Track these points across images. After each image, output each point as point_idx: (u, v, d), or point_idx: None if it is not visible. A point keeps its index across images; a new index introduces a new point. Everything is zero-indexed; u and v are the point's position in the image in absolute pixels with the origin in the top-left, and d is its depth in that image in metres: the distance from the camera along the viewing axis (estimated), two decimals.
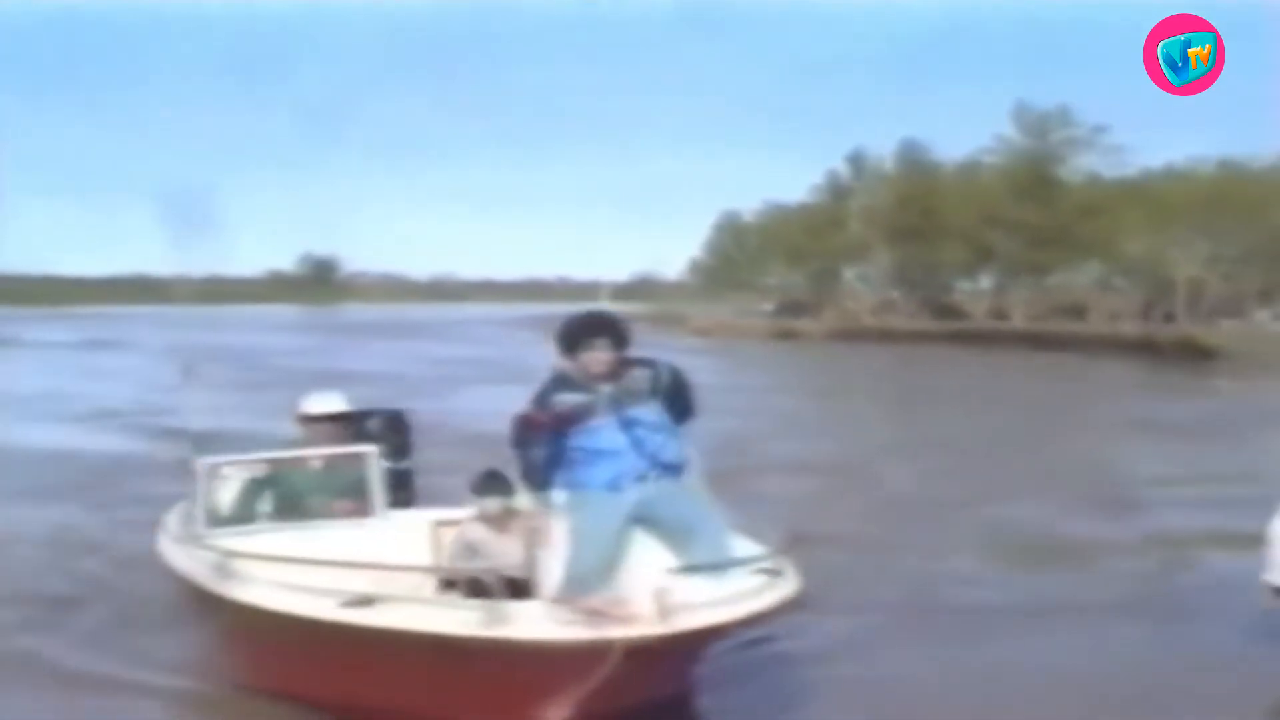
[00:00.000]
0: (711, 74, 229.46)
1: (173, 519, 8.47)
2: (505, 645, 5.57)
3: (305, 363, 42.83)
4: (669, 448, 6.92)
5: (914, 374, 45.87)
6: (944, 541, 12.19)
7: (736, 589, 6.00)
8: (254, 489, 8.06)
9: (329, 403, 8.54)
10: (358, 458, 8.00)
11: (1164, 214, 71.17)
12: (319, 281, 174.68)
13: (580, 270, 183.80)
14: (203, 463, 7.80)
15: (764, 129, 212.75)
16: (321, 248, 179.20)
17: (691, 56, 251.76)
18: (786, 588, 6.19)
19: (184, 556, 7.44)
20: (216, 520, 7.66)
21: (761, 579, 6.18)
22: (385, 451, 8.31)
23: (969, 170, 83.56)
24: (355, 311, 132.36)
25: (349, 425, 8.48)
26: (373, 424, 8.70)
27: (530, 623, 5.62)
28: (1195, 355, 51.81)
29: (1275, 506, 8.06)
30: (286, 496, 8.01)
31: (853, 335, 71.41)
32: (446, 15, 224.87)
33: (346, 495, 7.99)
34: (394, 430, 8.69)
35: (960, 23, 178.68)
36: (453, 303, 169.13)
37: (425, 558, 7.62)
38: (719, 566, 6.31)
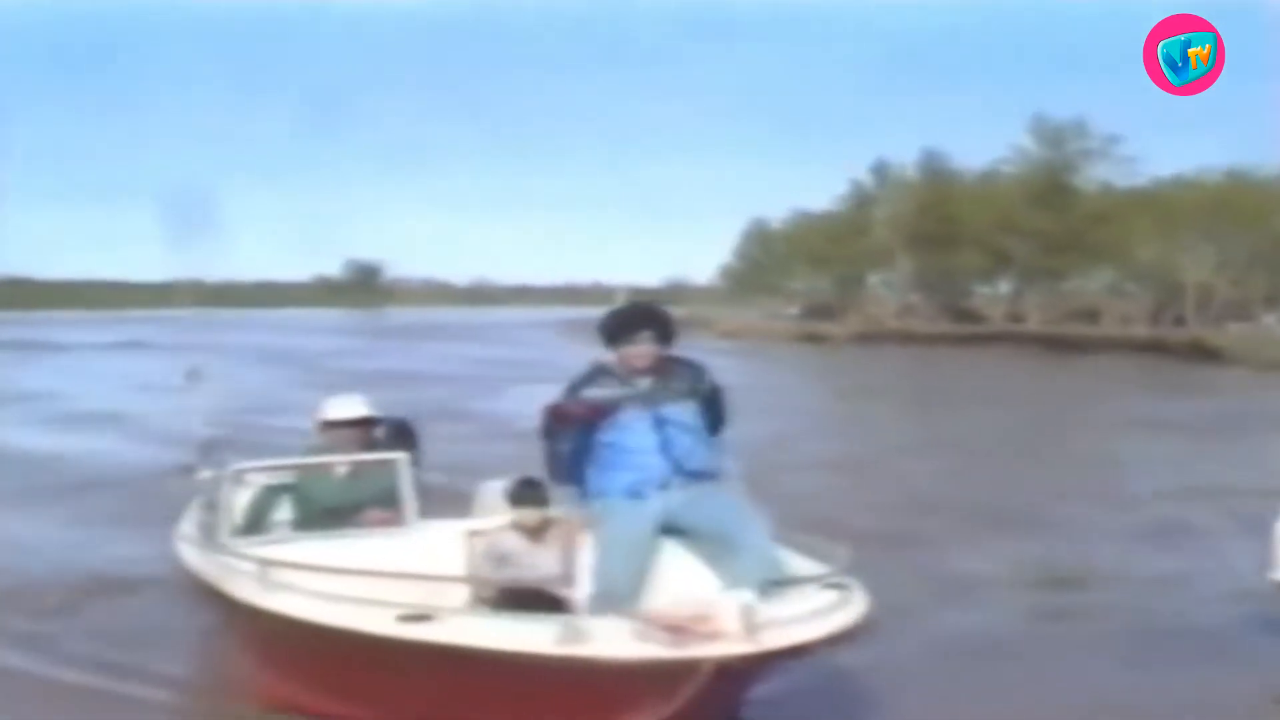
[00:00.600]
0: (738, 82, 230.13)
1: (186, 525, 8.00)
2: (589, 664, 5.16)
3: (360, 364, 44.16)
4: (697, 454, 6.55)
5: (935, 375, 46.83)
6: (967, 542, 12.28)
7: (812, 605, 5.58)
8: (279, 497, 7.64)
9: (351, 407, 7.95)
10: (388, 464, 7.44)
11: (1174, 221, 72.34)
12: (363, 286, 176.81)
13: (613, 275, 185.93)
14: (227, 469, 7.34)
15: (790, 139, 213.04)
16: (365, 253, 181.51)
17: (717, 64, 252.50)
18: (860, 604, 5.72)
19: (210, 566, 6.86)
20: (242, 529, 7.23)
21: (832, 595, 5.72)
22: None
23: (987, 179, 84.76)
24: (398, 315, 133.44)
25: (370, 430, 7.91)
26: (380, 433, 8.16)
27: (613, 640, 5.21)
28: (1203, 357, 52.86)
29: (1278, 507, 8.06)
30: (314, 505, 7.51)
31: (875, 338, 72.50)
32: (475, 21, 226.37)
33: (376, 503, 7.42)
34: (401, 439, 8.04)
35: (973, 30, 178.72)
36: (490, 306, 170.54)
37: (461, 569, 6.95)
38: (790, 583, 5.94)
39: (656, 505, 6.43)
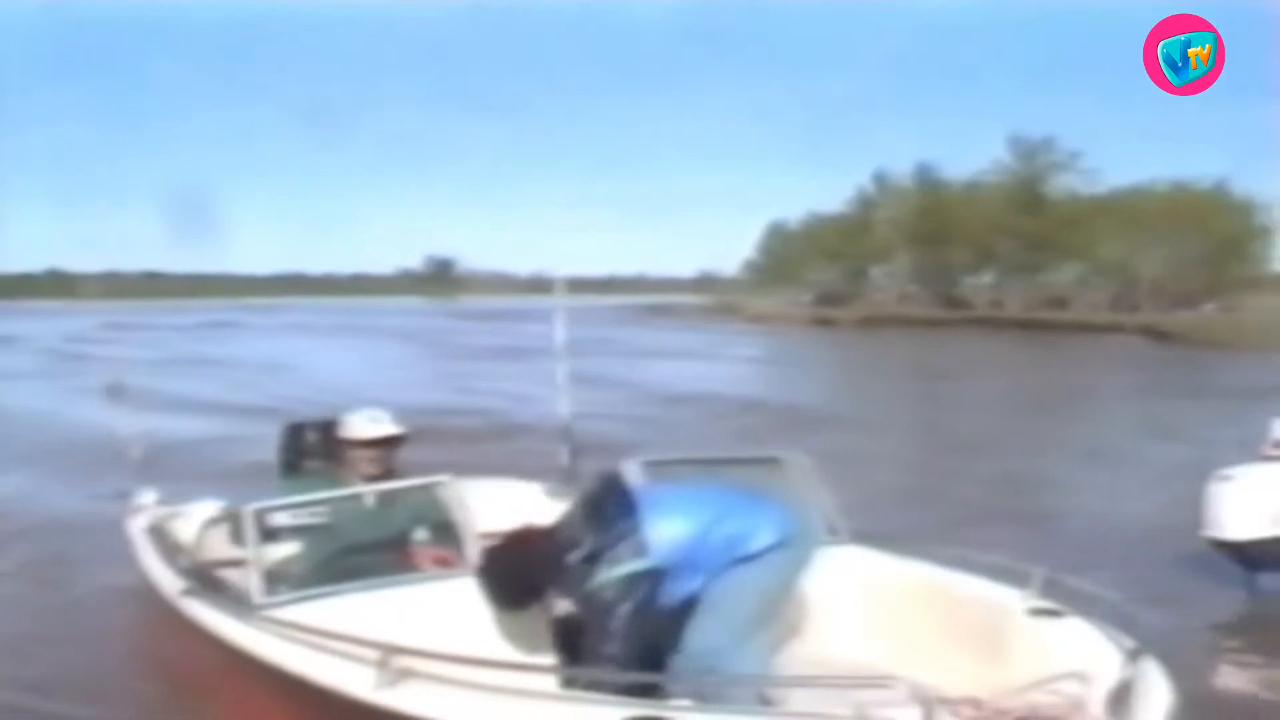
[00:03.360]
0: (764, 103, 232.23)
1: (162, 570, 6.07)
2: None
3: (483, 340, 45.17)
4: None
5: (930, 353, 47.45)
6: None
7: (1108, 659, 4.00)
8: (308, 538, 5.73)
9: (376, 423, 6.08)
10: (431, 490, 5.42)
11: (1132, 224, 74.17)
12: (440, 278, 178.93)
13: (655, 268, 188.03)
14: (249, 510, 5.40)
15: (804, 152, 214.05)
16: (441, 250, 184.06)
17: (746, 88, 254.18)
18: (1126, 641, 4.16)
19: (259, 638, 4.82)
20: (278, 584, 5.23)
21: (1097, 637, 4.27)
22: (322, 468, 6.52)
23: (973, 188, 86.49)
24: (472, 303, 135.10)
25: (394, 451, 6.10)
26: (310, 436, 6.74)
27: None
28: (1155, 338, 54.14)
29: (1211, 472, 8.15)
30: (351, 546, 5.60)
31: (878, 322, 73.33)
32: (530, 36, 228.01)
33: (412, 536, 5.72)
34: (332, 442, 6.45)
35: (961, 54, 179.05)
36: (546, 295, 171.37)
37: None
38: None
39: None
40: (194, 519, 6.71)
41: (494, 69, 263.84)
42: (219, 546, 5.96)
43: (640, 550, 4.37)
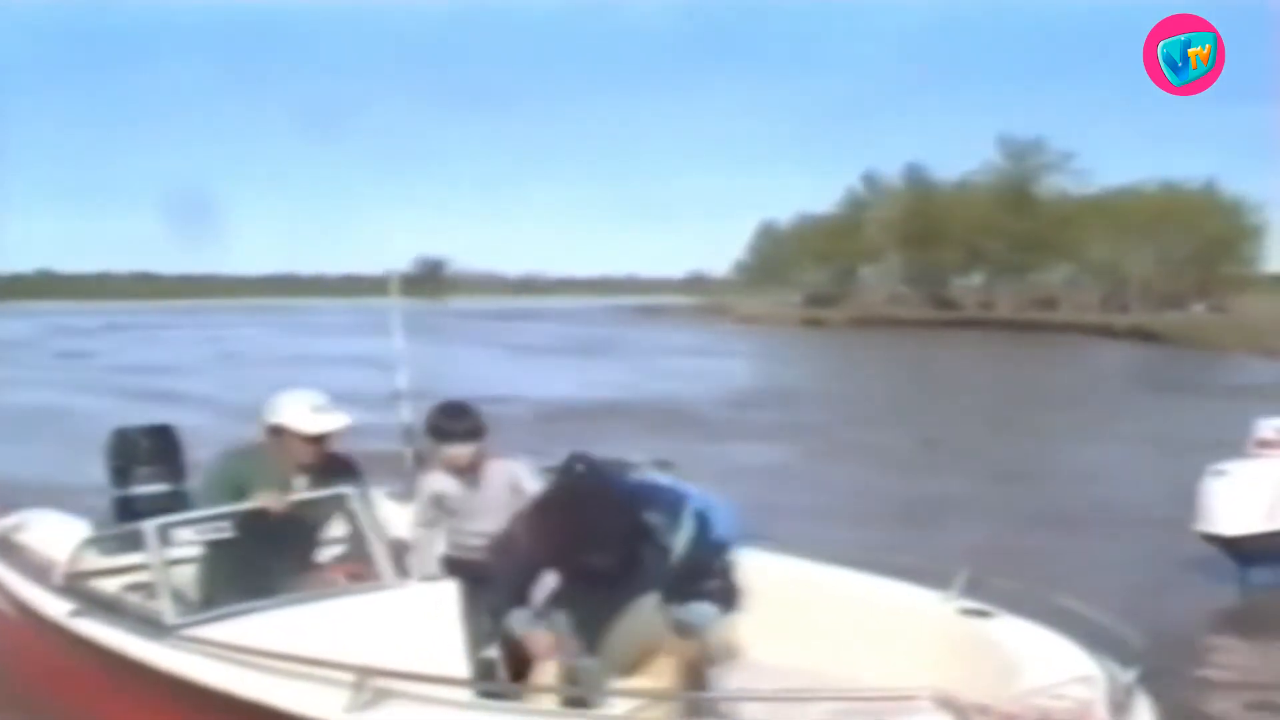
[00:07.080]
0: (756, 104, 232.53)
1: (21, 583, 5.54)
2: None
3: (526, 339, 45.48)
4: None
5: (929, 353, 47.44)
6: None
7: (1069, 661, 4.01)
8: (217, 554, 5.20)
9: (325, 415, 5.29)
10: (338, 502, 5.21)
11: (1121, 225, 74.49)
12: (430, 280, 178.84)
13: (646, 269, 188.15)
14: (151, 525, 4.94)
15: (797, 153, 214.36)
16: (432, 250, 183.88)
17: (737, 89, 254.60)
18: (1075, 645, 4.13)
19: (200, 663, 4.38)
20: (189, 604, 4.89)
21: (1047, 636, 4.24)
22: (154, 474, 6.22)
23: (963, 188, 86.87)
24: (462, 304, 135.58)
25: (328, 446, 5.38)
26: (142, 443, 6.38)
27: None
28: (1144, 338, 54.35)
29: (1204, 470, 8.34)
30: (261, 560, 5.09)
31: (867, 322, 73.75)
32: (518, 41, 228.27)
33: (321, 544, 5.39)
34: (163, 448, 6.29)
35: (950, 56, 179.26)
36: (538, 296, 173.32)
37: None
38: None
39: None
40: (39, 531, 6.31)
41: (486, 69, 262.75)
42: (96, 562, 5.50)
43: (682, 500, 4.45)
